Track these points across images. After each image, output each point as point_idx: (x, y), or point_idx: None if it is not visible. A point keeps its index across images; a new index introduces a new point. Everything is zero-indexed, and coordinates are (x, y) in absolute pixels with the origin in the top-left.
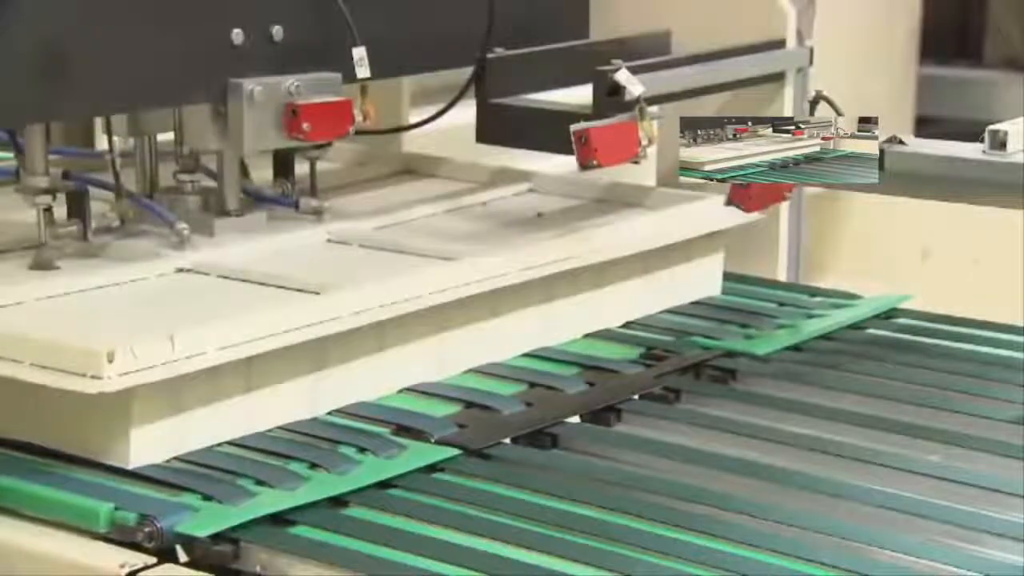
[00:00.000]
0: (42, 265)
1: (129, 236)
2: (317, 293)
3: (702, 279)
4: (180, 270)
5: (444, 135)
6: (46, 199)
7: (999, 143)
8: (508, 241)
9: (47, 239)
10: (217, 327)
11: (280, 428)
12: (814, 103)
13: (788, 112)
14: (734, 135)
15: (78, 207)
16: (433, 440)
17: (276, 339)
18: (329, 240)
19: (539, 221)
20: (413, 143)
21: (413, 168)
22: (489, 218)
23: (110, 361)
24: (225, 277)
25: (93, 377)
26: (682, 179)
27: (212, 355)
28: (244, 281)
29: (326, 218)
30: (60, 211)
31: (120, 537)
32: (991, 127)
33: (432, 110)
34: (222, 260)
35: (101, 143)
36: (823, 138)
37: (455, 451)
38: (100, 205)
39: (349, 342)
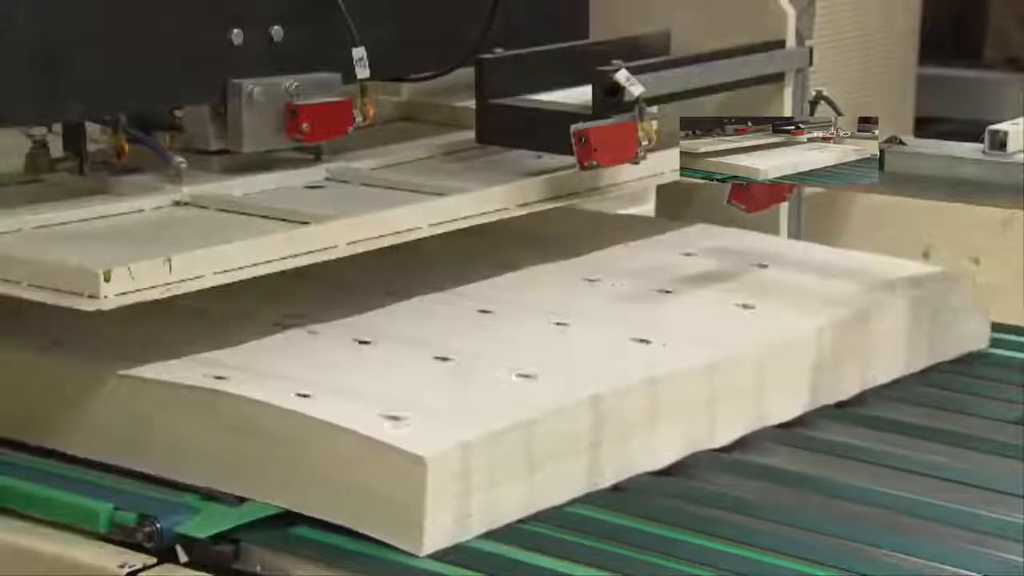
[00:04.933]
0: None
1: (126, 171)
2: (311, 223)
3: None
4: (177, 203)
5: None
6: (41, 130)
7: (999, 143)
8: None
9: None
10: (213, 251)
11: None
12: (814, 103)
13: (788, 112)
14: (734, 135)
15: (74, 142)
16: None
17: (272, 265)
18: (328, 178)
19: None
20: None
21: (412, 116)
22: (487, 160)
23: (107, 280)
24: (223, 210)
25: (90, 296)
26: (682, 177)
27: (208, 278)
28: (242, 214)
29: (325, 158)
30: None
31: (120, 537)
32: (991, 127)
33: None
34: (220, 194)
35: None
36: (823, 138)
37: None
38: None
39: None
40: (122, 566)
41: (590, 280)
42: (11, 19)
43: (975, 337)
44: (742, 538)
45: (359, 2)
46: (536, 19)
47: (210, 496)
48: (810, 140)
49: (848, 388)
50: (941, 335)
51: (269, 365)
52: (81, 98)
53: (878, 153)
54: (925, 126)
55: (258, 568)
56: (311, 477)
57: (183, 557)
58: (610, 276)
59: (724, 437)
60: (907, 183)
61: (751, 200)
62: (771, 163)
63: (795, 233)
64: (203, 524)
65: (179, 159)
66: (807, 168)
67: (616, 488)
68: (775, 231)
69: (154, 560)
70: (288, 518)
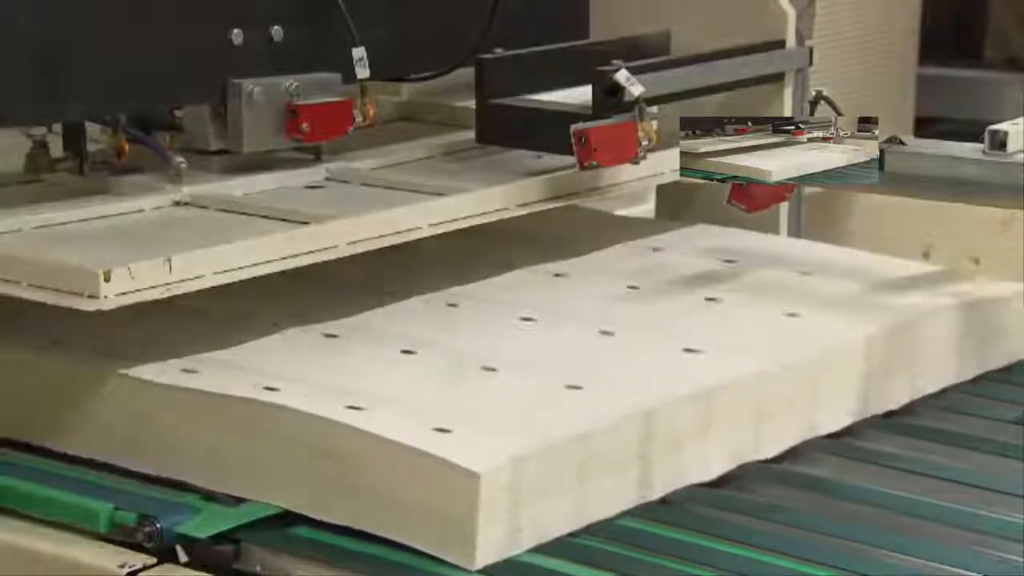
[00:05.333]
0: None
1: (126, 171)
2: (311, 223)
3: None
4: (177, 203)
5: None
6: (41, 130)
7: (999, 143)
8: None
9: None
10: (213, 251)
11: None
12: (814, 103)
13: (788, 112)
14: (734, 135)
15: (74, 142)
16: None
17: (272, 265)
18: (328, 178)
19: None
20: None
21: (412, 116)
22: (487, 159)
23: (107, 280)
24: (223, 210)
25: (90, 296)
26: (682, 178)
27: (208, 278)
28: (242, 214)
29: (325, 158)
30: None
31: (120, 537)
32: (991, 127)
33: None
34: (220, 194)
35: None
36: (823, 138)
37: None
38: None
39: None
40: (122, 566)
41: (630, 287)
42: (11, 19)
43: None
44: (791, 550)
45: (359, 2)
46: (536, 19)
47: (210, 496)
48: (810, 140)
49: (897, 398)
50: (990, 343)
51: (307, 374)
52: (81, 98)
53: (878, 153)
54: (925, 126)
55: (258, 568)
56: (360, 490)
57: (183, 557)
58: (648, 283)
59: (773, 448)
60: (907, 183)
61: (751, 200)
62: (777, 164)
63: (795, 233)
64: (203, 524)
65: (179, 159)
66: (816, 169)
67: (665, 500)
68: (775, 231)
69: (154, 560)
70: (288, 518)
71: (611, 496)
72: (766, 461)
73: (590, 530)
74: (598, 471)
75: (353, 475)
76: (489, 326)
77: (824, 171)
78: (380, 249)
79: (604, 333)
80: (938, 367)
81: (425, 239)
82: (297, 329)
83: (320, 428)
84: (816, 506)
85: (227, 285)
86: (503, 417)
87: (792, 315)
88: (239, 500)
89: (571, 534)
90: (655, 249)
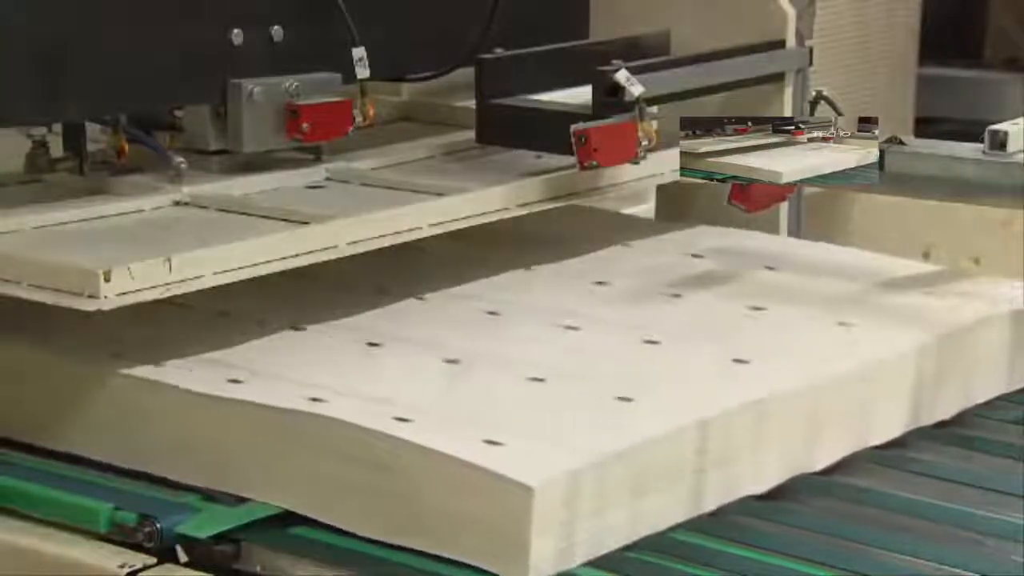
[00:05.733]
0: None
1: (126, 171)
2: (311, 223)
3: None
4: (177, 203)
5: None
6: (41, 130)
7: (999, 143)
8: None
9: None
10: (213, 251)
11: None
12: (814, 103)
13: (788, 112)
14: (734, 135)
15: (74, 142)
16: None
17: (272, 265)
18: (328, 178)
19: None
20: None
21: (412, 116)
22: (487, 159)
23: (107, 280)
24: (223, 210)
25: (90, 296)
26: (682, 178)
27: (208, 279)
28: (242, 214)
29: (325, 158)
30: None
31: (120, 537)
32: (991, 127)
33: None
34: (220, 194)
35: None
36: (823, 138)
37: None
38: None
39: None
40: (122, 566)
41: (674, 295)
42: (11, 19)
43: None
44: (843, 564)
45: (359, 2)
46: (536, 19)
47: (210, 496)
48: (810, 140)
49: (948, 407)
50: None
51: (348, 382)
52: (81, 98)
53: (878, 153)
54: (925, 126)
55: (258, 568)
56: (408, 503)
57: (183, 557)
58: (692, 291)
59: (825, 459)
60: (907, 183)
61: (751, 200)
62: (788, 165)
63: (795, 233)
64: (203, 524)
65: (179, 159)
66: (827, 171)
67: (718, 513)
68: (775, 231)
69: (154, 560)
70: (288, 518)
71: (664, 509)
72: (817, 473)
73: (642, 544)
74: (651, 484)
75: (401, 488)
76: (532, 334)
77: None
78: (396, 250)
79: (649, 342)
80: (989, 376)
81: (443, 242)
82: (324, 331)
83: (368, 440)
84: (867, 519)
85: (234, 285)
86: (554, 429)
87: (842, 323)
88: (240, 500)
89: (624, 548)
90: (695, 256)
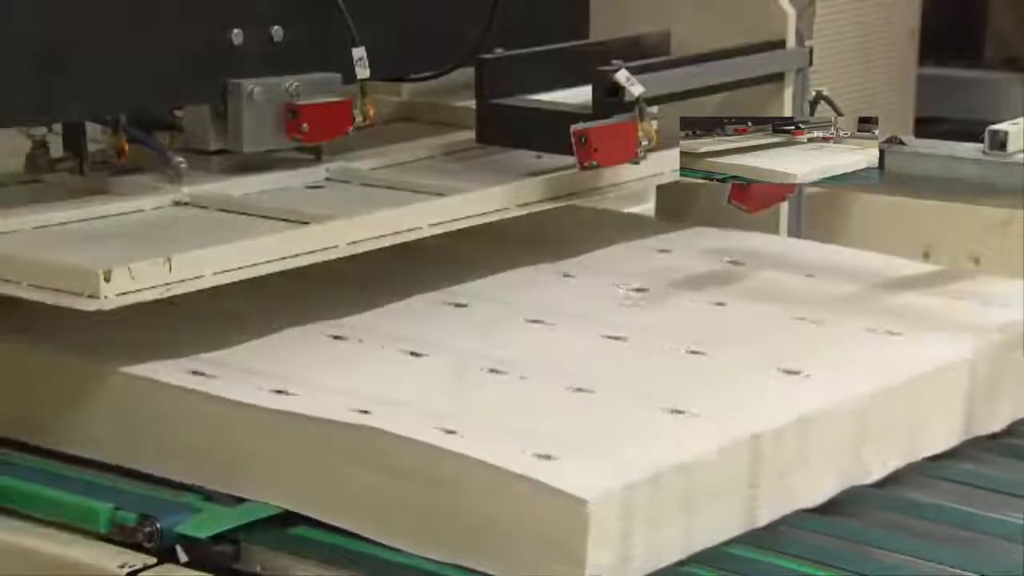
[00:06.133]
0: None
1: (126, 171)
2: (311, 223)
3: None
4: (177, 203)
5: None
6: (41, 130)
7: (999, 143)
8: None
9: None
10: (214, 251)
11: None
12: (814, 103)
13: (788, 112)
14: (734, 135)
15: (74, 142)
16: None
17: (272, 264)
18: (328, 178)
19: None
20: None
21: (412, 116)
22: (487, 159)
23: (107, 280)
24: (223, 210)
25: (90, 296)
26: (682, 178)
27: (208, 279)
28: (242, 214)
29: (325, 158)
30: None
31: (120, 537)
32: (991, 127)
33: None
34: (220, 194)
35: None
36: (823, 138)
37: None
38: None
39: None
40: (122, 566)
41: (717, 303)
42: (11, 19)
43: None
44: None
45: (359, 2)
46: (536, 19)
47: (210, 496)
48: (810, 140)
49: (1001, 418)
50: None
51: (386, 390)
52: (81, 98)
53: (878, 153)
54: (925, 126)
55: (258, 568)
56: (456, 517)
57: (183, 557)
58: (734, 299)
59: (878, 471)
60: (907, 183)
61: (751, 200)
62: (804, 167)
63: (795, 233)
64: (203, 524)
65: (179, 159)
66: (840, 172)
67: (772, 526)
68: (775, 231)
69: (154, 560)
70: (288, 518)
71: (718, 523)
72: (870, 486)
73: (697, 558)
74: (706, 498)
75: (449, 501)
76: (576, 344)
77: None
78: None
79: (694, 352)
80: None
81: (452, 242)
82: (361, 336)
83: (412, 452)
84: (921, 532)
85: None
86: (607, 442)
87: (890, 332)
88: (239, 500)
89: (678, 562)
90: (734, 262)
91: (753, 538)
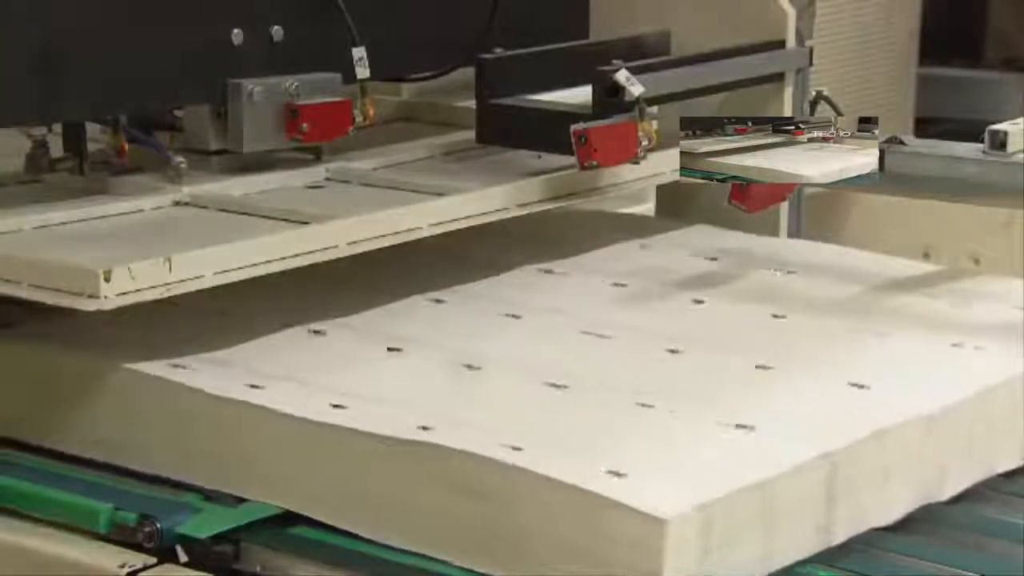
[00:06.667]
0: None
1: (126, 171)
2: (311, 223)
3: None
4: (177, 203)
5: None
6: (41, 130)
7: (999, 143)
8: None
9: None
10: (214, 251)
11: None
12: (814, 103)
13: (788, 112)
14: (734, 135)
15: (74, 142)
16: None
17: (272, 264)
18: (328, 178)
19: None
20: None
21: (412, 116)
22: (487, 159)
23: (107, 280)
24: (223, 210)
25: (90, 296)
26: (682, 179)
27: (208, 279)
28: (242, 214)
29: (325, 158)
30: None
31: (120, 537)
32: (991, 127)
33: None
34: (220, 194)
35: None
36: (823, 138)
37: None
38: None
39: None
40: (122, 566)
41: (775, 316)
42: (11, 19)
43: None
44: None
45: (359, 2)
46: (536, 19)
47: (209, 496)
48: (810, 140)
49: None
50: None
51: (444, 406)
52: (81, 98)
53: (878, 153)
54: (925, 126)
55: (258, 568)
56: (521, 536)
57: (183, 557)
58: (792, 310)
59: (952, 488)
60: (907, 183)
61: (751, 200)
62: (820, 168)
63: (795, 233)
64: (203, 524)
65: (179, 159)
66: (855, 173)
67: (846, 545)
68: (775, 231)
69: (154, 560)
70: (288, 518)
71: (794, 542)
72: (945, 503)
73: None
74: (782, 517)
75: (514, 519)
76: (635, 358)
77: None
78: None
79: (761, 367)
80: None
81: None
82: (419, 348)
83: (479, 468)
84: (997, 551)
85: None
86: (680, 459)
87: (956, 345)
88: (239, 500)
89: None
90: (788, 271)
91: (827, 557)
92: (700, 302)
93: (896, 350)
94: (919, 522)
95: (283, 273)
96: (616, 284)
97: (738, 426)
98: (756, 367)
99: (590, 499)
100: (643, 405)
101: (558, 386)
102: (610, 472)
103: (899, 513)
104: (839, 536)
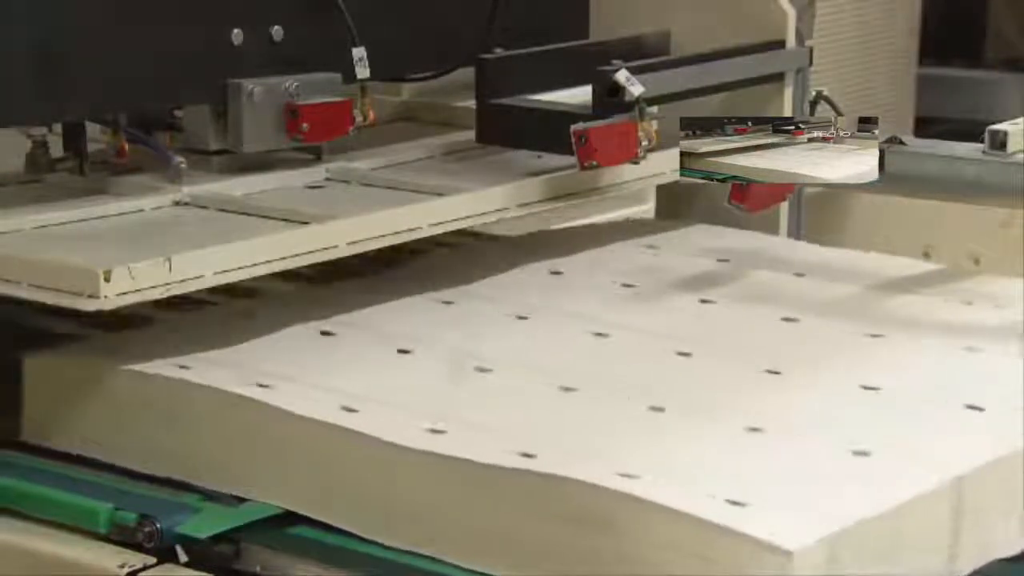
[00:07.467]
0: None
1: (126, 171)
2: (311, 223)
3: None
4: (177, 203)
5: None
6: (41, 130)
7: (999, 143)
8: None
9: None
10: (214, 251)
11: None
12: (814, 103)
13: (788, 112)
14: (734, 135)
15: (74, 142)
16: None
17: (272, 264)
18: (328, 178)
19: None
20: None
21: (412, 116)
22: (487, 159)
23: (107, 280)
24: (223, 210)
25: (90, 296)
26: (682, 179)
27: (208, 278)
28: (242, 214)
29: (325, 158)
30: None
31: (120, 537)
32: (991, 127)
33: None
34: (220, 194)
35: None
36: (823, 138)
37: None
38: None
39: None
40: (122, 566)
41: (872, 335)
42: (11, 19)
43: None
44: None
45: (359, 2)
46: (536, 19)
47: (210, 496)
48: (810, 140)
49: None
50: None
51: (544, 431)
52: (81, 98)
53: (878, 153)
54: (925, 126)
55: (258, 568)
56: (636, 567)
57: (183, 557)
58: (893, 329)
59: None
60: (907, 183)
61: (751, 200)
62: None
63: (795, 233)
64: (203, 524)
65: (179, 159)
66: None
67: None
68: (775, 231)
69: (154, 560)
70: (288, 518)
71: (918, 574)
72: None
73: None
74: (907, 548)
75: (621, 549)
76: (730, 378)
77: None
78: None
79: (868, 388)
80: None
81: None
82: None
83: (588, 495)
84: None
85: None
86: (800, 488)
87: None
88: (239, 500)
89: None
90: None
91: None
92: (793, 319)
93: (1005, 368)
94: None
95: (293, 273)
96: (705, 301)
97: (854, 451)
98: (860, 387)
99: (711, 530)
100: (755, 430)
101: (657, 408)
102: (730, 502)
103: (1022, 545)
104: (963, 568)
